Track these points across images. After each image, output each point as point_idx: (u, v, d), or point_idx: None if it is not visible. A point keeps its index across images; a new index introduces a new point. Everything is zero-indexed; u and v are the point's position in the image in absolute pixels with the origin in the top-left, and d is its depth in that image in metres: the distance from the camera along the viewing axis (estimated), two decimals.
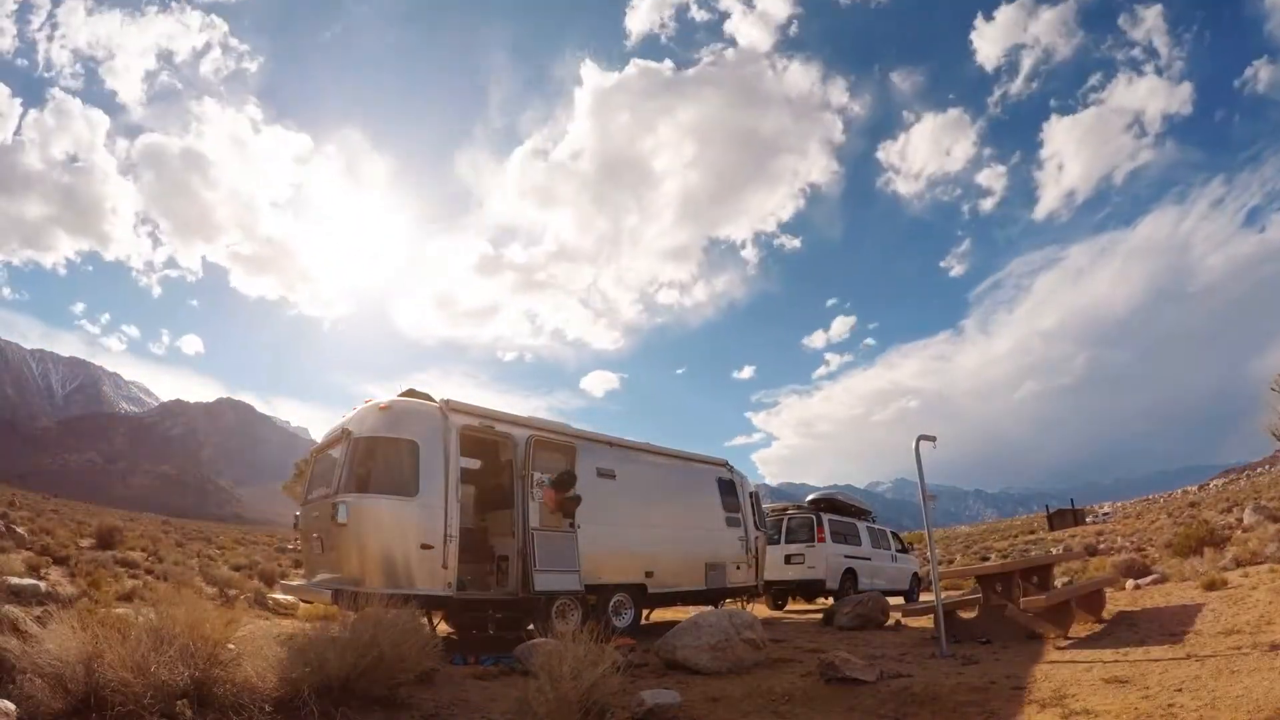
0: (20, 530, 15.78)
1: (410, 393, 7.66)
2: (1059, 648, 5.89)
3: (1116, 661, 4.99)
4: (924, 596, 13.61)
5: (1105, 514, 54.08)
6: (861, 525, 13.73)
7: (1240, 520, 19.37)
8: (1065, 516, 51.38)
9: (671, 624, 6.23)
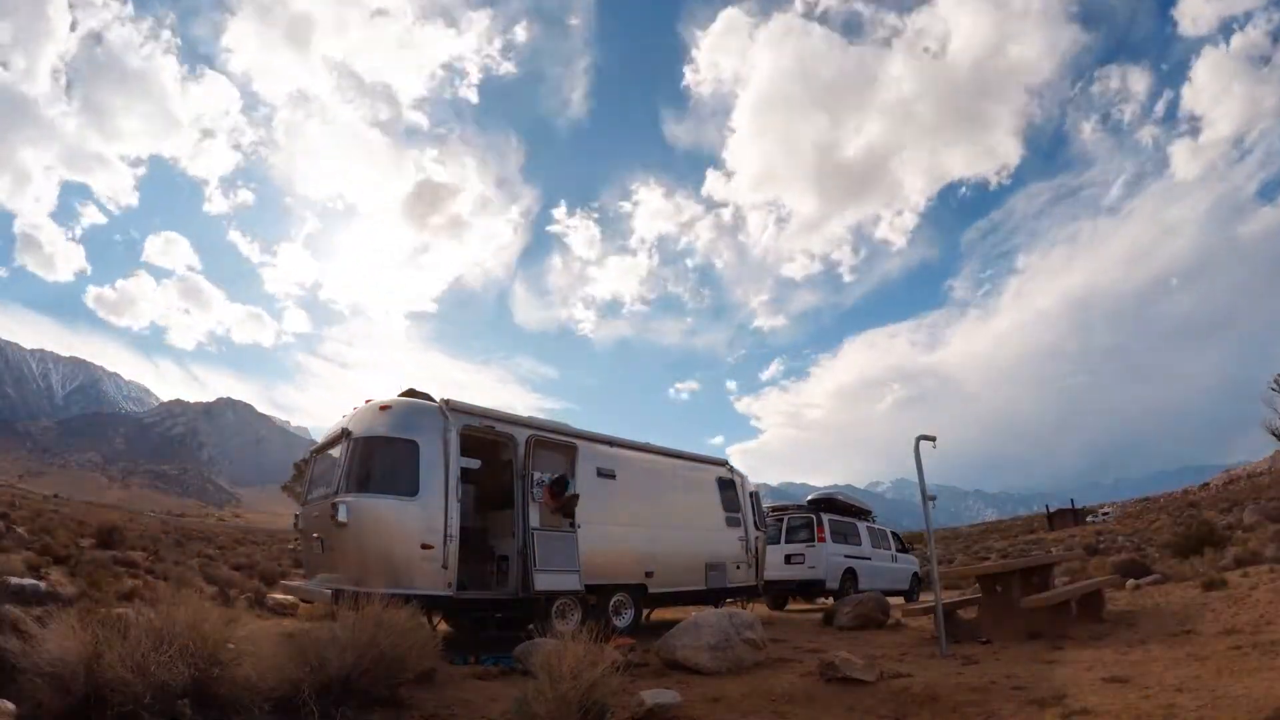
0: (20, 530, 15.78)
1: (410, 392, 7.66)
2: (1059, 648, 5.88)
3: (1116, 661, 5.00)
4: (924, 596, 13.62)
5: (1105, 514, 54.12)
6: (861, 525, 13.74)
7: (1240, 520, 19.39)
8: (1065, 516, 51.48)
9: (671, 624, 6.23)
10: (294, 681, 3.50)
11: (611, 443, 8.94)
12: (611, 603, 8.17)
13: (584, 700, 3.44)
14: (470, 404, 7.56)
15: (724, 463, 10.68)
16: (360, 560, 6.45)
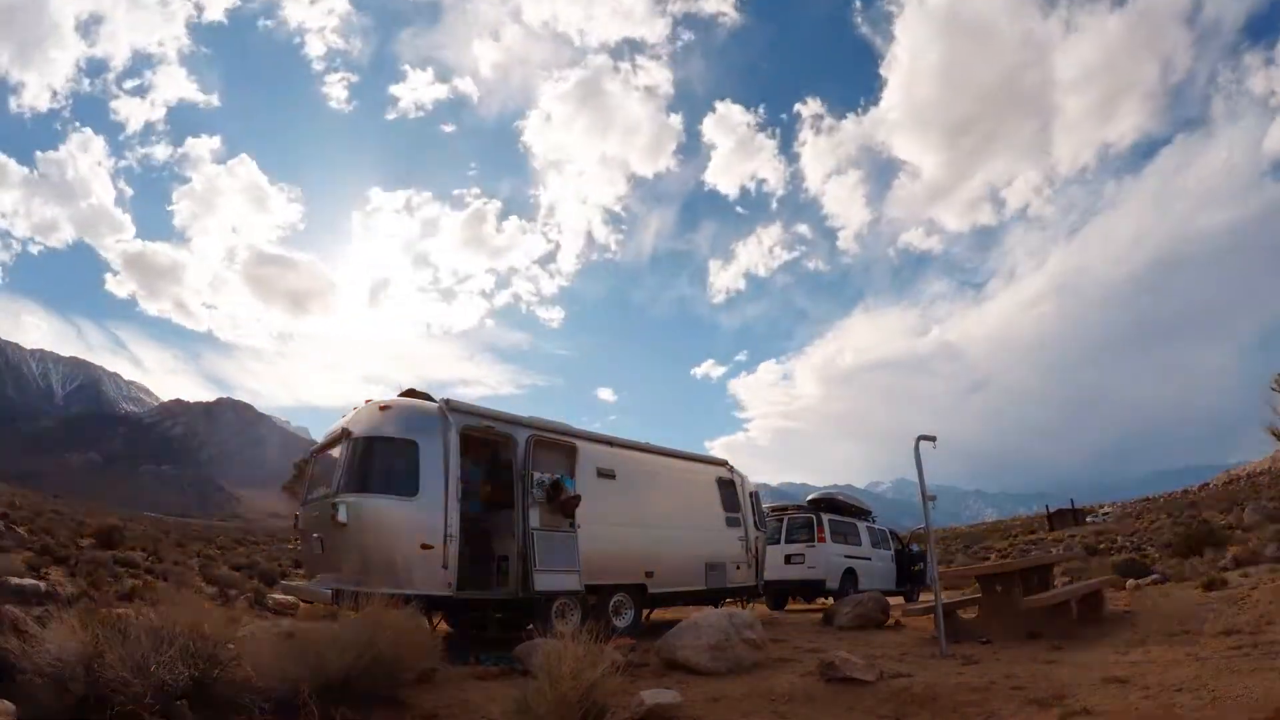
0: (20, 530, 15.78)
1: (410, 392, 7.66)
2: (1059, 648, 5.89)
3: (1116, 661, 5.00)
4: (924, 596, 13.62)
5: (1105, 514, 54.09)
6: (861, 525, 13.74)
7: (1240, 520, 19.39)
8: (1065, 516, 51.43)
9: (671, 624, 6.23)
10: (294, 681, 3.50)
11: (611, 443, 8.94)
12: (611, 603, 8.17)
13: (584, 700, 3.44)
14: (470, 404, 7.57)
15: (724, 463, 10.68)
16: (360, 560, 6.45)
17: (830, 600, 11.81)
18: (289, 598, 9.88)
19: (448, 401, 7.32)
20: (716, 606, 9.47)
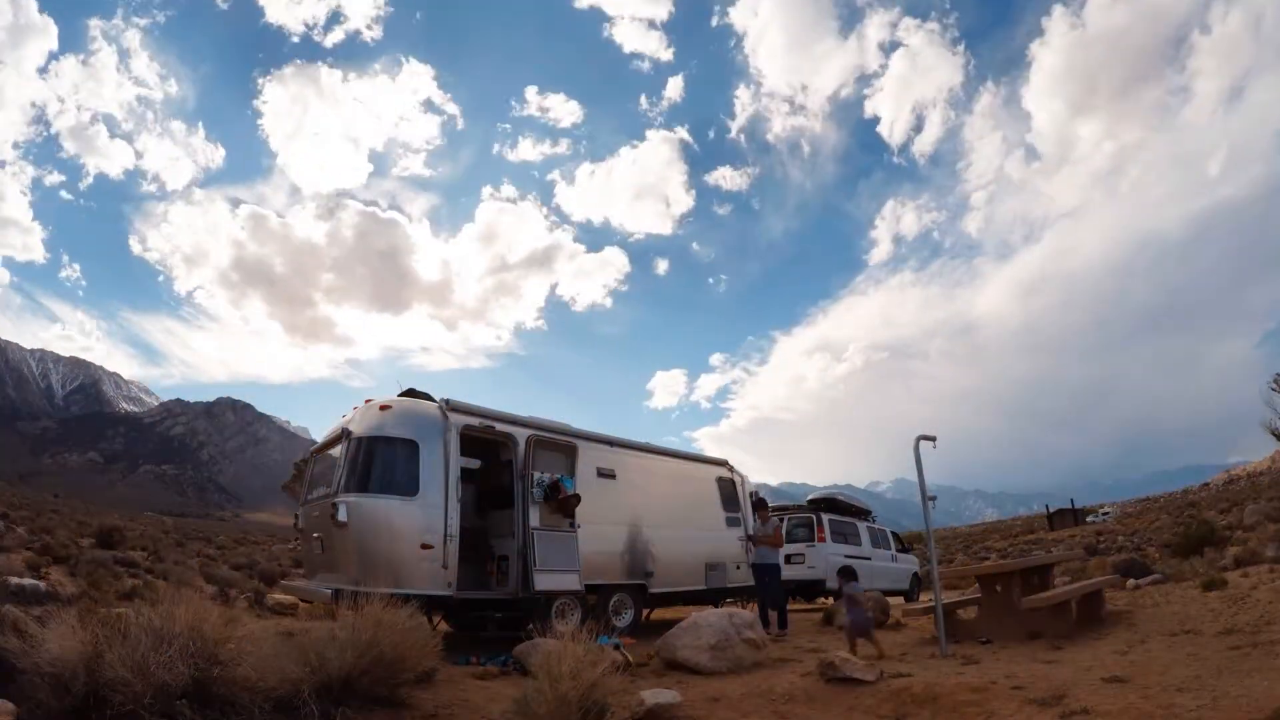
0: (20, 530, 15.79)
1: (410, 392, 7.67)
2: (1059, 648, 5.89)
3: (1116, 661, 5.00)
4: (924, 596, 13.62)
5: (1105, 514, 54.16)
6: (861, 525, 13.74)
7: (1240, 520, 19.40)
8: (1065, 516, 51.48)
9: (671, 624, 6.23)
10: (294, 681, 3.49)
11: (611, 443, 8.95)
12: (611, 603, 8.18)
13: (584, 700, 3.44)
14: (470, 404, 7.57)
15: (724, 462, 10.70)
16: (360, 560, 6.46)
17: (830, 600, 11.82)
18: (289, 598, 9.88)
19: (448, 401, 7.33)
20: (716, 606, 9.48)
